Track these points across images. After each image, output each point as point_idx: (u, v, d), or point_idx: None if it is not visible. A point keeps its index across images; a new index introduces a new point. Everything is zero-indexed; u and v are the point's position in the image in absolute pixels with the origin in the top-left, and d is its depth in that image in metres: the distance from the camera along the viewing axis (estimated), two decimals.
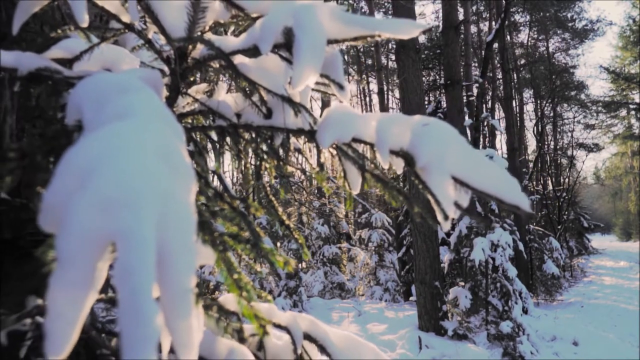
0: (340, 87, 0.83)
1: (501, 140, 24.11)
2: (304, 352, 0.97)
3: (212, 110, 0.96)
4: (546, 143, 24.61)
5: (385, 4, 22.05)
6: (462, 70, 11.86)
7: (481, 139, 10.97)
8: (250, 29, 0.82)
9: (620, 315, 10.54)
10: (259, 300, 0.91)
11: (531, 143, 26.57)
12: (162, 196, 0.43)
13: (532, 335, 7.24)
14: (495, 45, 16.03)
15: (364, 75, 24.82)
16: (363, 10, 20.28)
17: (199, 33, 0.84)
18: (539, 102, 25.07)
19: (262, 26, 0.77)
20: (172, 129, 0.55)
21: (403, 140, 0.78)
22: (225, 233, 0.75)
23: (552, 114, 24.20)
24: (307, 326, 0.98)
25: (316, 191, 15.68)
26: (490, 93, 20.25)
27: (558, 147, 26.35)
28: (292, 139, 0.99)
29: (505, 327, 7.17)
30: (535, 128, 22.92)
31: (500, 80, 17.38)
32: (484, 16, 21.50)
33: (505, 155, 15.47)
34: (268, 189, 1.06)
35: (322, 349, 0.97)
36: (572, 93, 25.24)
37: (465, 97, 12.59)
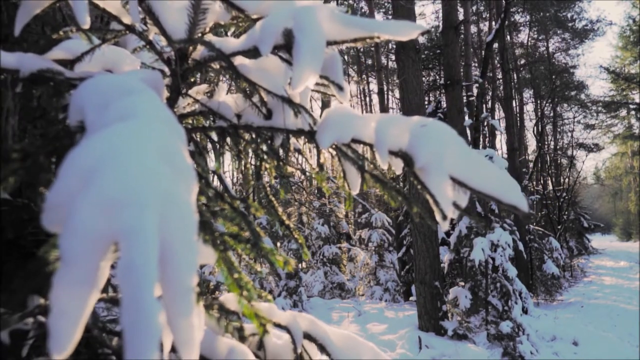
0: (340, 88, 0.84)
1: (501, 140, 24.15)
2: (304, 352, 0.97)
3: (212, 111, 0.97)
4: (546, 143, 24.61)
5: (385, 4, 22.06)
6: (462, 70, 11.87)
7: (481, 139, 10.97)
8: (251, 30, 0.82)
9: (620, 315, 10.54)
10: (259, 299, 0.91)
11: (531, 143, 26.59)
12: (163, 196, 0.44)
13: (532, 335, 7.24)
14: (495, 45, 16.03)
15: (363, 76, 24.83)
16: (363, 10, 20.28)
17: (200, 34, 0.85)
18: (539, 102, 25.08)
19: (262, 28, 0.78)
20: (173, 129, 0.56)
21: (402, 141, 0.79)
22: (226, 233, 0.76)
23: (552, 114, 24.21)
24: (307, 326, 0.99)
25: (316, 191, 15.69)
26: (490, 93, 20.25)
27: (558, 147, 26.36)
28: (292, 140, 1.00)
29: (505, 327, 7.17)
30: (535, 128, 22.92)
31: (500, 80, 17.39)
32: (484, 16, 21.51)
33: (505, 155, 15.47)
34: (268, 189, 1.07)
35: (322, 349, 0.97)
36: (572, 93, 25.26)
37: (465, 97, 12.59)
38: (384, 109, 15.88)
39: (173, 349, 0.70)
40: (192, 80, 0.97)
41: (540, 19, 22.82)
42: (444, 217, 0.74)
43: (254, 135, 0.96)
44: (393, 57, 19.77)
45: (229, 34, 1.06)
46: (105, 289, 0.92)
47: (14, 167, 0.60)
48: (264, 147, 0.97)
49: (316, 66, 0.74)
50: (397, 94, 22.97)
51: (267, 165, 1.00)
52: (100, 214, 0.41)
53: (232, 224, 0.85)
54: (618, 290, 14.58)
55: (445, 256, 8.74)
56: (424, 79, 19.68)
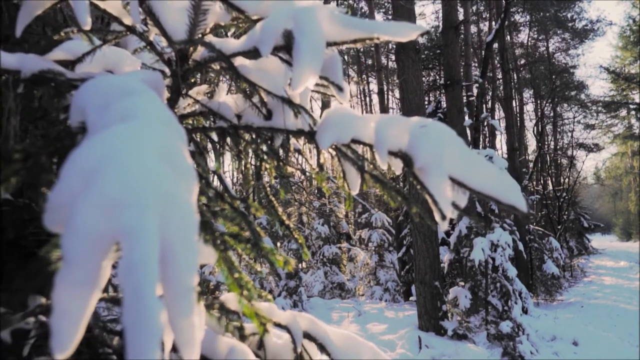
0: (340, 88, 0.84)
1: (501, 140, 24.16)
2: (304, 351, 0.97)
3: (212, 111, 0.97)
4: (546, 143, 24.61)
5: (385, 4, 22.06)
6: (462, 70, 11.87)
7: (481, 139, 10.98)
8: (251, 31, 0.83)
9: (620, 315, 10.55)
10: (260, 299, 0.92)
11: (531, 143, 26.59)
12: (164, 197, 0.44)
13: (531, 335, 7.24)
14: (495, 45, 16.03)
15: (363, 76, 24.83)
16: (363, 10, 20.29)
17: (200, 35, 0.85)
18: (539, 102, 25.07)
19: (263, 29, 0.78)
20: (173, 130, 0.56)
21: (401, 141, 0.79)
22: (226, 233, 0.76)
23: (552, 114, 24.22)
24: (307, 325, 0.99)
25: (316, 191, 15.69)
26: (490, 93, 20.25)
27: (558, 147, 26.36)
28: (292, 140, 1.00)
29: (505, 327, 7.18)
30: (535, 128, 22.92)
31: (500, 80, 17.39)
32: (484, 16, 21.51)
33: (505, 156, 15.48)
34: (268, 189, 1.07)
35: (322, 348, 0.98)
36: (572, 93, 25.25)
37: (465, 97, 12.59)
38: (384, 109, 15.88)
39: (174, 349, 0.70)
40: (193, 80, 0.97)
41: (540, 19, 22.82)
42: (443, 217, 0.74)
43: (254, 136, 0.97)
44: (393, 57, 19.77)
45: (229, 34, 1.06)
46: (106, 289, 0.92)
47: (16, 167, 0.60)
48: (264, 148, 0.97)
49: (316, 67, 0.74)
50: (397, 94, 22.98)
51: (267, 166, 1.00)
52: (101, 215, 0.41)
53: (233, 224, 0.85)
54: (618, 290, 14.58)
55: (445, 256, 8.74)
56: (424, 79, 19.69)
